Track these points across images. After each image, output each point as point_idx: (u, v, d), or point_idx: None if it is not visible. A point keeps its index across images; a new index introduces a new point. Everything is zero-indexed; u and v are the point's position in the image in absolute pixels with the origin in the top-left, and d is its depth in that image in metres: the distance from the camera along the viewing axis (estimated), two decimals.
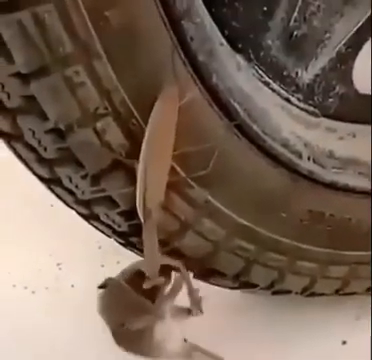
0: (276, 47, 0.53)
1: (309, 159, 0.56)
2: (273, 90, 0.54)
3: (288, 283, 0.59)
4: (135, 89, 0.45)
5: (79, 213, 0.54)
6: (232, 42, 0.51)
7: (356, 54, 0.55)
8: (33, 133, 0.46)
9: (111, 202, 0.49)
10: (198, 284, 0.52)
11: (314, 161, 0.56)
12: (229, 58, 0.51)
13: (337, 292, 0.63)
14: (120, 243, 0.56)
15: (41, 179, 0.51)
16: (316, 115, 0.56)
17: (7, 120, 0.47)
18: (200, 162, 0.49)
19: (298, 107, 0.55)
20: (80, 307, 0.65)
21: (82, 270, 0.76)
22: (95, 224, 0.55)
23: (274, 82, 0.54)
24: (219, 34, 0.50)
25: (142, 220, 0.47)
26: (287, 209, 0.55)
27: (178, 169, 0.48)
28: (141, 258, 0.50)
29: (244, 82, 0.52)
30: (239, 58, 0.52)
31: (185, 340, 0.49)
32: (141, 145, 0.46)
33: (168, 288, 0.49)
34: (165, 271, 0.49)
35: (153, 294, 0.48)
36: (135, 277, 0.48)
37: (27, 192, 0.78)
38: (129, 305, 0.49)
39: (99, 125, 0.45)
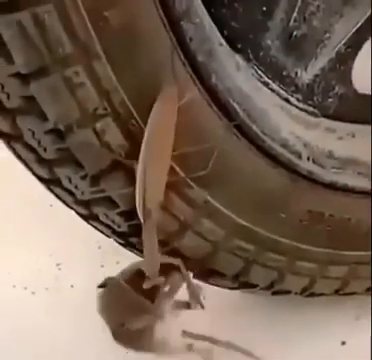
0: (275, 47, 0.53)
1: (308, 159, 0.56)
2: (272, 90, 0.54)
3: (288, 283, 0.59)
4: (134, 89, 0.45)
5: (79, 213, 0.55)
6: (231, 42, 0.51)
7: (355, 54, 0.55)
8: (33, 133, 0.46)
9: (111, 202, 0.49)
10: (197, 283, 0.52)
11: (313, 161, 0.56)
12: (228, 58, 0.51)
13: (337, 292, 0.63)
14: (120, 243, 0.56)
15: (41, 179, 0.51)
16: (315, 115, 0.56)
17: (7, 120, 0.47)
18: (199, 162, 0.49)
19: (297, 107, 0.55)
20: (80, 307, 0.65)
21: (82, 270, 0.76)
22: (95, 224, 0.55)
23: (273, 82, 0.54)
24: (218, 34, 0.50)
25: (142, 220, 0.47)
26: (286, 209, 0.55)
27: (177, 169, 0.48)
28: (141, 258, 0.50)
29: (243, 82, 0.52)
30: (238, 58, 0.52)
31: (184, 332, 0.49)
32: (140, 145, 0.46)
33: (167, 287, 0.49)
34: (165, 271, 0.49)
35: (153, 294, 0.48)
36: (135, 277, 0.48)
37: (27, 192, 0.78)
38: (129, 305, 0.49)
39: (98, 126, 0.45)
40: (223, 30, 0.51)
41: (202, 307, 0.50)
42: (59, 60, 0.43)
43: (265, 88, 0.54)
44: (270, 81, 0.54)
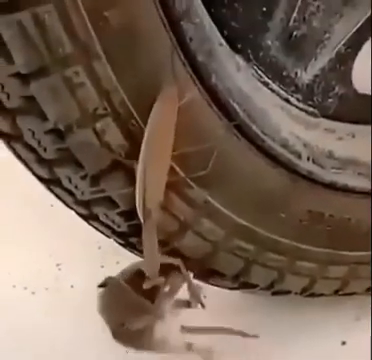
0: (275, 47, 0.53)
1: (308, 159, 0.56)
2: (272, 90, 0.54)
3: (288, 283, 0.59)
4: (134, 90, 0.45)
5: (79, 213, 0.55)
6: (231, 42, 0.51)
7: (355, 54, 0.55)
8: (33, 133, 0.46)
9: (111, 202, 0.50)
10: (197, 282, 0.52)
11: (313, 161, 0.56)
12: (228, 58, 0.51)
13: (337, 292, 0.63)
14: (120, 243, 0.56)
15: (41, 179, 0.51)
16: (315, 115, 0.56)
17: (7, 120, 0.47)
18: (199, 162, 0.49)
19: (297, 107, 0.56)
20: (80, 307, 0.65)
21: (82, 270, 0.76)
22: (95, 224, 0.55)
23: (273, 82, 0.54)
24: (218, 34, 0.50)
25: (142, 220, 0.47)
26: (286, 209, 0.55)
27: (177, 169, 0.48)
28: (141, 258, 0.50)
29: (243, 82, 0.52)
30: (238, 58, 0.52)
31: (182, 327, 0.49)
32: (140, 145, 0.46)
33: (167, 288, 0.49)
34: (165, 271, 0.49)
35: (153, 294, 0.49)
36: (135, 277, 0.48)
37: (27, 192, 0.78)
38: (129, 305, 0.49)
39: (98, 126, 0.45)
40: (223, 30, 0.51)
41: (203, 306, 0.50)
42: (59, 60, 0.43)
43: (265, 88, 0.54)
44: (270, 81, 0.54)
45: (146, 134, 0.46)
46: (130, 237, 0.54)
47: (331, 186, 0.57)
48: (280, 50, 0.53)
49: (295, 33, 0.53)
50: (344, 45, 0.54)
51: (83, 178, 0.48)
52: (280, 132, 0.54)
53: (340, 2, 0.53)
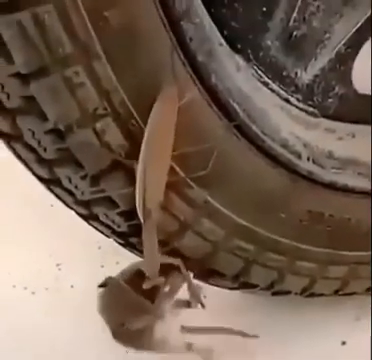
0: (275, 47, 0.53)
1: (308, 159, 0.56)
2: (272, 90, 0.54)
3: (288, 283, 0.59)
4: (134, 89, 0.45)
5: (78, 213, 0.55)
6: (231, 42, 0.51)
7: (355, 54, 0.55)
8: (33, 133, 0.46)
9: (111, 202, 0.50)
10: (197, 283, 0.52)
11: (313, 161, 0.56)
12: (228, 58, 0.51)
13: (337, 292, 0.63)
14: (120, 243, 0.56)
15: (41, 179, 0.51)
16: (315, 115, 0.56)
17: (7, 120, 0.47)
18: (199, 162, 0.49)
19: (297, 107, 0.56)
20: (80, 307, 0.65)
21: (82, 270, 0.76)
22: (95, 224, 0.55)
23: (273, 82, 0.54)
24: (218, 34, 0.50)
25: (142, 220, 0.47)
26: (286, 209, 0.55)
27: (177, 169, 0.48)
28: (141, 258, 0.50)
29: (243, 82, 0.52)
30: (238, 58, 0.52)
31: (182, 327, 0.49)
32: (140, 145, 0.46)
33: (167, 288, 0.49)
34: (165, 271, 0.49)
35: (153, 294, 0.49)
36: (135, 277, 0.48)
37: (27, 192, 0.78)
38: (129, 305, 0.49)
39: (98, 126, 0.45)
40: (223, 30, 0.51)
41: (203, 306, 0.50)
42: (59, 60, 0.43)
43: (265, 88, 0.54)
44: (270, 81, 0.54)
45: (146, 134, 0.46)
46: (130, 237, 0.54)
47: (331, 186, 0.57)
48: (280, 50, 0.53)
49: (295, 33, 0.53)
50: (344, 45, 0.54)
51: (83, 178, 0.48)
52: (280, 132, 0.54)
53: (340, 2, 0.53)
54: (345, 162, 0.58)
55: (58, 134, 0.45)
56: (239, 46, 0.52)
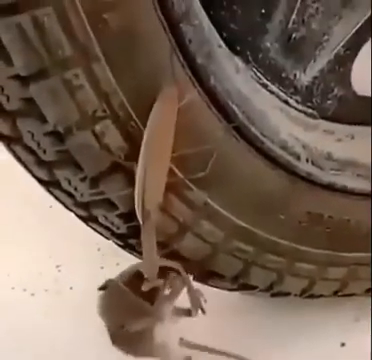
0: (274, 49, 0.53)
1: (307, 161, 0.56)
2: (271, 92, 0.54)
3: (287, 285, 0.59)
4: (134, 92, 0.45)
5: (78, 215, 0.55)
6: (230, 44, 0.51)
7: (354, 56, 0.55)
8: (32, 135, 0.46)
9: (110, 204, 0.50)
10: (197, 286, 0.52)
11: (312, 163, 0.56)
12: (227, 60, 0.51)
13: (336, 294, 0.63)
14: (119, 245, 0.56)
15: (40, 181, 0.51)
16: (314, 117, 0.56)
17: (6, 123, 0.47)
18: (199, 164, 0.49)
19: (296, 109, 0.56)
20: (79, 309, 0.65)
21: (81, 272, 0.76)
22: (94, 226, 0.55)
23: (272, 84, 0.54)
24: (217, 36, 0.50)
25: (141, 222, 0.47)
26: (286, 211, 0.55)
27: (177, 171, 0.48)
28: (140, 260, 0.50)
29: (242, 84, 0.52)
30: (237, 60, 0.52)
31: (181, 339, 0.49)
32: (140, 147, 0.46)
33: (167, 290, 0.49)
34: (164, 273, 0.49)
35: (152, 296, 0.48)
36: (134, 279, 0.48)
37: (27, 194, 0.78)
38: (128, 307, 0.49)
39: (98, 128, 0.45)
40: (222, 32, 0.51)
41: (203, 312, 0.50)
42: (58, 62, 0.43)
43: (264, 90, 0.54)
44: (269, 83, 0.54)
45: (145, 136, 0.46)
46: (129, 239, 0.54)
47: (330, 187, 0.57)
48: (279, 52, 0.53)
49: (294, 35, 0.53)
50: (343, 47, 0.54)
51: (82, 180, 0.48)
52: (279, 134, 0.54)
53: (339, 4, 0.53)
54: (344, 163, 0.58)
55: (57, 136, 0.46)
56: (238, 48, 0.52)
